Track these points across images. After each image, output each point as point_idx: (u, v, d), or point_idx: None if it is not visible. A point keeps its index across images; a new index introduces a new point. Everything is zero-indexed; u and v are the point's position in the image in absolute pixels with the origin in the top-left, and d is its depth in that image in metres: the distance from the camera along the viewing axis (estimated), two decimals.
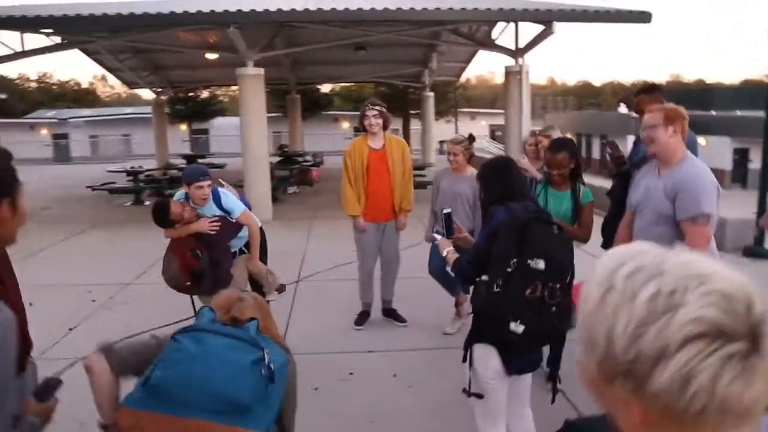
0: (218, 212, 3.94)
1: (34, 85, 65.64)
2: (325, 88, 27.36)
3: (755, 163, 18.27)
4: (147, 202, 12.52)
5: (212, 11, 8.66)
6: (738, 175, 25.01)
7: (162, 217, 3.70)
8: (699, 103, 29.32)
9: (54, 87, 66.63)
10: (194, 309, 4.10)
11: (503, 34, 11.54)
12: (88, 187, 12.56)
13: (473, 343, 2.45)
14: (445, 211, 2.82)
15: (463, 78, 22.36)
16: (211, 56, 14.26)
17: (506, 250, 2.29)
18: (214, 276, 3.81)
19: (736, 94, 31.87)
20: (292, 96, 20.11)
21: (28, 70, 72.94)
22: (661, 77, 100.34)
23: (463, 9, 9.64)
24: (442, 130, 29.46)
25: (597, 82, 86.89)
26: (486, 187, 2.64)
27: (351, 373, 4.20)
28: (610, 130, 30.56)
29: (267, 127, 10.31)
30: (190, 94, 23.43)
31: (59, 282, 6.60)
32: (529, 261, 2.24)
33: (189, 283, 3.83)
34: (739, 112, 26.47)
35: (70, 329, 5.10)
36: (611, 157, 3.97)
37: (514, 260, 2.26)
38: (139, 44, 13.35)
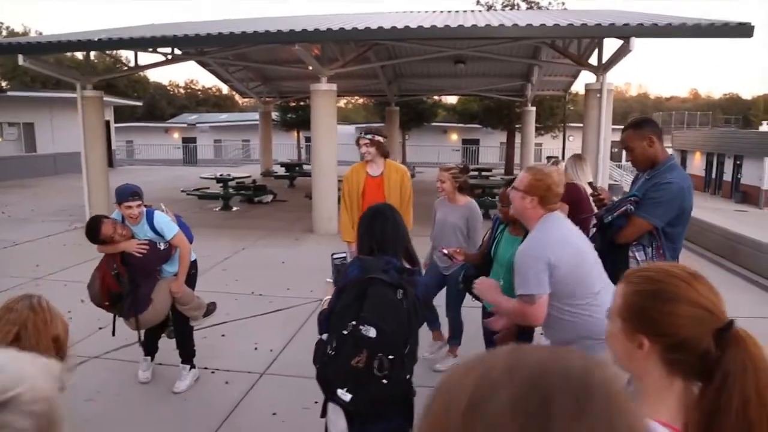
0: (151, 233, 4.05)
1: (182, 91, 72.23)
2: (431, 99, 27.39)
3: None
4: (235, 208, 13.33)
5: (278, 30, 9.08)
6: None
7: (93, 234, 3.88)
8: None
9: (198, 92, 72.80)
10: (113, 330, 4.27)
11: (588, 50, 10.94)
12: (182, 191, 13.61)
13: (327, 400, 2.36)
14: (336, 256, 2.73)
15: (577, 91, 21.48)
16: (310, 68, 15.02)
17: (344, 311, 2.18)
18: (132, 299, 3.94)
19: None
20: (391, 108, 20.39)
21: (178, 77, 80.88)
22: None
23: (557, 25, 9.21)
24: (549, 145, 28.40)
25: (747, 95, 78.88)
26: (359, 237, 2.54)
27: (316, 402, 4.17)
28: (746, 151, 27.72)
29: (336, 141, 10.49)
30: (302, 103, 24.46)
31: None
32: (361, 327, 2.11)
33: (107, 303, 3.97)
34: None
35: (100, 328, 5.56)
36: (593, 198, 3.65)
37: (352, 323, 2.14)
38: (231, 61, 14.28)
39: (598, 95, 9.72)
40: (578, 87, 19.72)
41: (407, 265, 2.49)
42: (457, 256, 3.61)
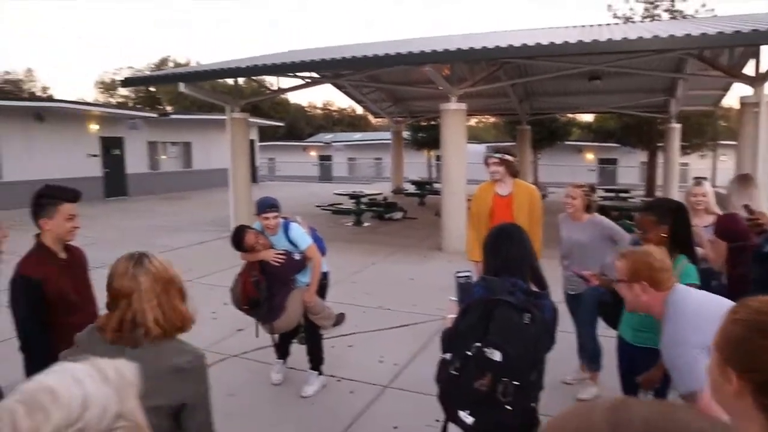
0: (286, 243, 4.32)
1: (319, 111, 76.19)
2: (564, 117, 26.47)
3: None
4: (366, 224, 13.76)
5: (410, 52, 9.31)
6: None
7: (237, 242, 4.24)
8: None
9: (334, 113, 76.32)
10: (257, 332, 4.54)
11: (742, 59, 10.02)
12: (317, 206, 14.32)
13: (448, 421, 2.35)
14: (460, 275, 2.72)
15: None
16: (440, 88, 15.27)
17: (468, 332, 2.16)
18: (269, 306, 4.19)
19: None
20: (522, 127, 20.02)
21: (316, 98, 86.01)
22: None
23: (704, 34, 8.52)
24: (696, 165, 26.20)
25: None
26: (484, 257, 2.52)
27: (437, 420, 4.18)
28: None
29: (466, 160, 10.52)
30: (432, 122, 24.79)
31: None
32: (486, 349, 2.09)
33: (246, 307, 4.28)
34: None
35: (239, 330, 5.99)
36: (749, 222, 3.31)
37: (477, 344, 2.13)
38: (364, 83, 14.79)
39: (756, 109, 8.88)
40: (732, 101, 18.05)
41: (534, 288, 2.44)
42: (592, 279, 3.46)
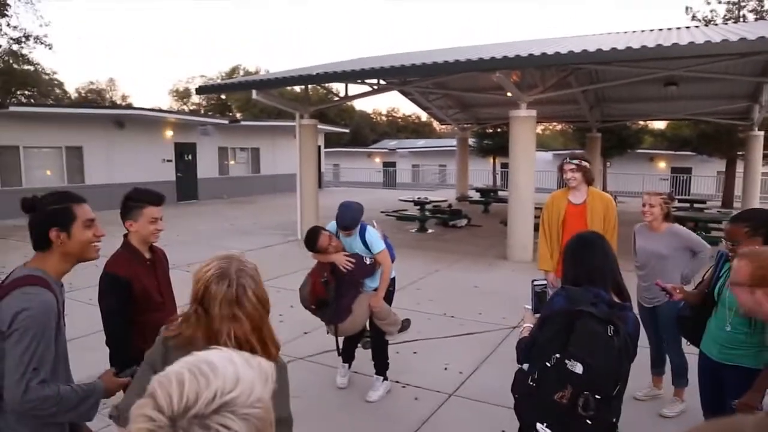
0: (361, 245, 4.36)
1: (384, 118, 76.78)
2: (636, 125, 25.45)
3: None
4: (430, 231, 13.71)
5: (480, 58, 9.22)
6: None
7: (311, 243, 4.29)
8: None
9: (399, 120, 76.73)
10: (329, 328, 4.56)
11: None
12: (382, 212, 14.40)
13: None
14: (537, 283, 2.65)
15: None
16: (510, 95, 15.04)
17: (548, 343, 2.10)
18: (336, 307, 4.22)
19: None
20: (592, 134, 19.44)
21: (381, 105, 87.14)
22: None
23: None
24: None
25: None
26: (564, 266, 2.43)
27: (503, 431, 4.09)
28: None
29: (534, 168, 10.31)
30: (498, 129, 24.46)
31: None
32: (567, 361, 2.03)
33: (313, 306, 4.33)
34: None
35: (305, 333, 6.09)
36: None
37: (556, 355, 2.07)
38: (431, 90, 14.75)
39: None
40: None
41: (616, 299, 2.35)
42: (676, 293, 3.31)
